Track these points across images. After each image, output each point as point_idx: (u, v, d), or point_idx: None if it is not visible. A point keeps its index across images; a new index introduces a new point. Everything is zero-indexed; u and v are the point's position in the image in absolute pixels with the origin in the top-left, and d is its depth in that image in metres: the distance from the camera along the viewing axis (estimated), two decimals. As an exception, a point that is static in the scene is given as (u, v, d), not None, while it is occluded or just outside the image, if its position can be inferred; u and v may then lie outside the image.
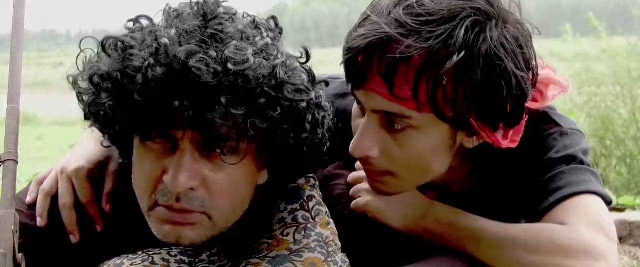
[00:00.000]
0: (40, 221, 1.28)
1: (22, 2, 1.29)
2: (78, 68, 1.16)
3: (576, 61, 6.19)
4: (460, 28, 1.08)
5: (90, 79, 1.11)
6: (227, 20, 1.11)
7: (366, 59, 1.12)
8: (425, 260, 1.20)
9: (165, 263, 1.22)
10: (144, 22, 1.14)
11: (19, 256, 1.08)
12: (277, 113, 1.08)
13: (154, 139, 1.11)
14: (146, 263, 1.21)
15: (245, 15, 1.16)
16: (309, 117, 1.14)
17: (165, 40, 1.05)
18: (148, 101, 1.05)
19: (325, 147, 1.22)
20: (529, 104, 1.23)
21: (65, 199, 1.28)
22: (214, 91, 1.04)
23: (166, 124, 1.08)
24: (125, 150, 1.21)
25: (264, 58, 1.09)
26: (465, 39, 1.08)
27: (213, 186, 1.12)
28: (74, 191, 1.29)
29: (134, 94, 1.05)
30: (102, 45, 1.12)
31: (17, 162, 1.16)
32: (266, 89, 1.07)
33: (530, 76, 1.16)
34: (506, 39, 1.11)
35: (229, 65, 1.04)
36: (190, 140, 1.09)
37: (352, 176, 1.33)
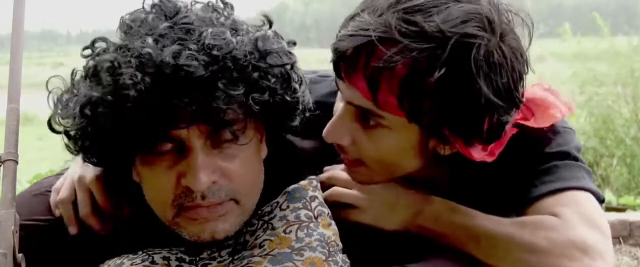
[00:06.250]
0: (72, 230, 1.29)
1: (22, 2, 1.29)
2: (51, 108, 1.18)
3: (577, 61, 6.16)
4: (446, 47, 1.08)
5: (81, 111, 1.12)
6: (188, 12, 1.14)
7: (353, 58, 1.13)
8: (424, 260, 1.20)
9: (166, 261, 1.22)
10: (101, 44, 1.16)
11: (19, 256, 1.07)
12: (272, 82, 1.13)
13: (161, 148, 1.12)
14: (146, 263, 1.21)
15: (194, 2, 1.19)
16: (295, 77, 1.19)
17: (147, 50, 1.07)
18: (147, 112, 1.07)
19: (311, 106, 1.26)
20: (529, 123, 1.25)
21: (86, 208, 1.29)
22: (210, 80, 1.07)
23: (171, 127, 1.09)
24: (123, 176, 1.23)
25: (241, 35, 1.13)
26: (448, 58, 1.08)
27: (231, 172, 1.15)
28: (93, 199, 1.30)
29: (131, 110, 1.07)
30: (87, 74, 1.13)
31: (17, 162, 1.15)
32: (255, 62, 1.12)
33: (512, 103, 1.15)
34: (490, 64, 1.10)
35: (215, 52, 1.08)
36: (197, 135, 1.11)
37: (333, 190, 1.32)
